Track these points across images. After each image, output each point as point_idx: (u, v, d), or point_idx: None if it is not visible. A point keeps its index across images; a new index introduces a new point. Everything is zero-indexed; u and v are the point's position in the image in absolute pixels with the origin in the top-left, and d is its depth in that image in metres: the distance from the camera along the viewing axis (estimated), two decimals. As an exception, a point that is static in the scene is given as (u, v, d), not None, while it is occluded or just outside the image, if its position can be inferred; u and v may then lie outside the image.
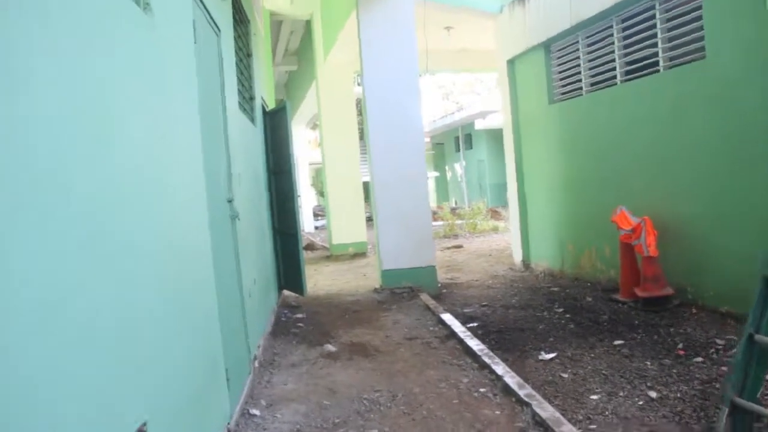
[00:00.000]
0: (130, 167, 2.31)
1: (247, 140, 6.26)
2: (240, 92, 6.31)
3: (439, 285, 9.16)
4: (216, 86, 4.75)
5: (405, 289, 8.83)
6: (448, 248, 14.81)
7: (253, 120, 7.28)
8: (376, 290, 9.15)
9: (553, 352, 5.61)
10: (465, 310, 7.61)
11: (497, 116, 27.10)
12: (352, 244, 14.82)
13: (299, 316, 7.86)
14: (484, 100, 30.76)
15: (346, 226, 14.82)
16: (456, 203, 34.41)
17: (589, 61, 8.44)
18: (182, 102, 3.32)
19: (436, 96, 44.43)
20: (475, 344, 5.60)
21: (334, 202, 15.01)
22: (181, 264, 3.01)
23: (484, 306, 7.78)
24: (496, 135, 31.10)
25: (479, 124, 29.00)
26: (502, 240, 16.07)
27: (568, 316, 6.90)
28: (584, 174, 8.58)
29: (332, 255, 14.90)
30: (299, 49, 19.05)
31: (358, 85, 18.14)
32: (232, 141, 5.11)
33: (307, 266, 13.65)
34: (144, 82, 2.62)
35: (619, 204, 7.28)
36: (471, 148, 33.61)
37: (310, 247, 17.43)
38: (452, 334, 6.24)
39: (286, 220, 8.76)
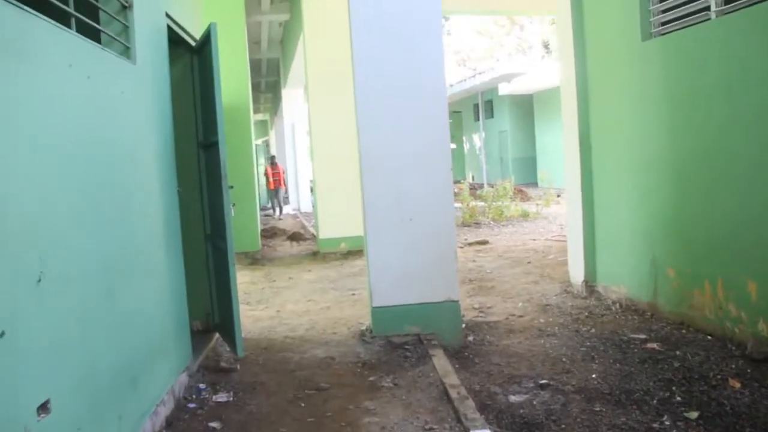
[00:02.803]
0: None
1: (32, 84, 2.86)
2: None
3: (464, 326, 5.78)
4: None
5: (409, 339, 5.45)
6: (471, 244, 11.42)
7: (127, 52, 3.87)
8: (363, 336, 5.75)
9: None
10: (513, 399, 4.22)
11: (524, 80, 23.52)
12: (345, 238, 11.40)
13: (221, 398, 4.49)
14: (509, 62, 27.09)
15: (338, 215, 11.34)
16: (473, 179, 30.91)
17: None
18: None
19: (452, 62, 40.84)
20: None
21: (321, 184, 11.58)
22: None
23: (544, 387, 4.37)
24: (521, 102, 27.49)
25: (503, 89, 25.32)
26: (536, 232, 12.68)
27: (718, 434, 3.53)
28: (712, 153, 5.12)
29: (319, 252, 11.53)
30: (292, -8, 15.55)
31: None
32: None
33: (282, 270, 10.38)
34: None
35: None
36: (492, 117, 30.03)
37: (297, 237, 14.08)
38: None
39: (215, 221, 5.42)
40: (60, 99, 2.81)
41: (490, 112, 30.06)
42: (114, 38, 3.70)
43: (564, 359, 4.93)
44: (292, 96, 21.66)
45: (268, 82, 27.40)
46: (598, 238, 6.75)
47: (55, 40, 2.80)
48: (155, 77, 4.37)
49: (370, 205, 5.53)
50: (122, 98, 3.62)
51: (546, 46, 34.01)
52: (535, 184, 25.46)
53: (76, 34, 3.04)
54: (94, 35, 3.46)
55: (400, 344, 5.40)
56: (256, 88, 28.28)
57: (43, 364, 2.51)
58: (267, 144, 35.70)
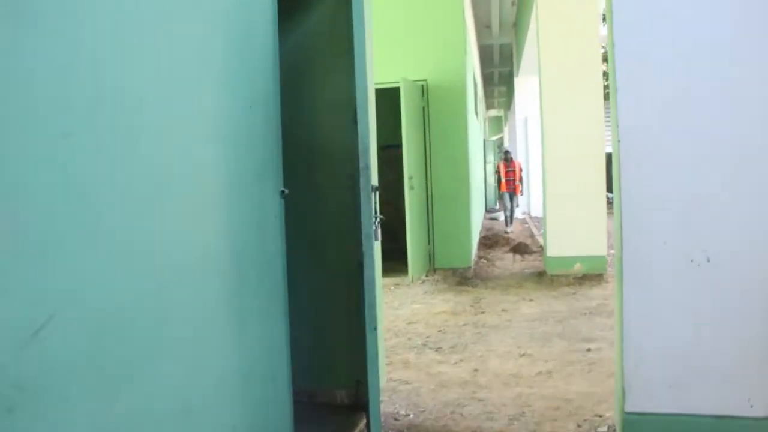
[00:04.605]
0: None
1: None
2: None
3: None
4: None
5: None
6: None
7: None
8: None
9: None
10: None
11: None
12: (580, 258, 8.86)
13: None
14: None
15: (573, 228, 8.85)
16: None
17: None
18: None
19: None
20: None
21: (553, 188, 9.10)
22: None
23: None
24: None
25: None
26: None
27: None
28: None
29: (546, 273, 9.10)
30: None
31: (605, 20, 11.88)
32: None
33: (495, 296, 8.00)
34: None
35: None
36: None
37: (521, 249, 11.73)
38: None
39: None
40: None
41: None
42: None
43: None
44: (525, 86, 19.19)
45: (501, 73, 25.20)
46: None
47: None
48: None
49: (629, 225, 3.08)
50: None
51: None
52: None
53: None
54: None
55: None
56: (488, 80, 26.28)
57: None
58: (501, 141, 33.91)
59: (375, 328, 2.82)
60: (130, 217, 1.76)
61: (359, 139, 2.71)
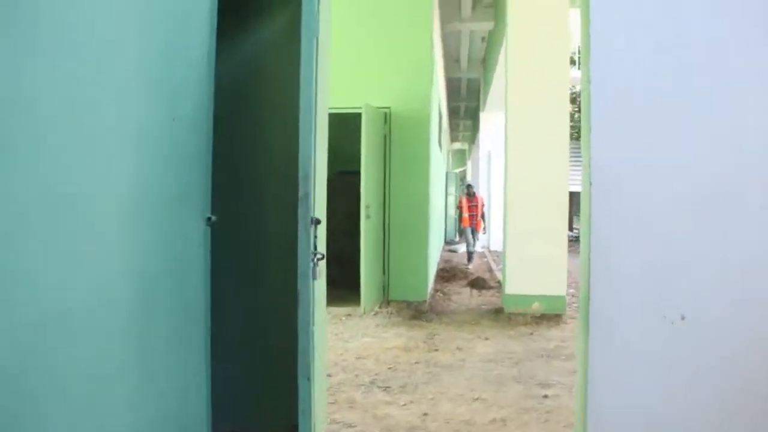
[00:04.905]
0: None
1: None
2: None
3: None
4: None
5: None
6: None
7: None
8: None
9: None
10: None
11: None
12: (539, 297, 8.64)
13: None
14: None
15: (532, 266, 8.64)
16: None
17: None
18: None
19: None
20: None
21: (514, 224, 8.90)
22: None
23: None
24: None
25: None
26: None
27: None
28: None
29: (503, 311, 8.85)
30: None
31: (573, 63, 11.90)
32: None
33: (450, 332, 7.64)
34: None
35: None
36: None
37: (479, 284, 11.50)
38: None
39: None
40: None
41: None
42: None
43: None
44: (490, 121, 19.13)
45: (468, 107, 25.21)
46: None
47: None
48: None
49: (598, 275, 2.81)
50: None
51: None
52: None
53: None
54: None
55: None
56: (454, 113, 26.28)
57: None
58: (464, 174, 33.84)
59: (308, 378, 2.49)
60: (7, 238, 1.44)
61: (300, 165, 2.41)
